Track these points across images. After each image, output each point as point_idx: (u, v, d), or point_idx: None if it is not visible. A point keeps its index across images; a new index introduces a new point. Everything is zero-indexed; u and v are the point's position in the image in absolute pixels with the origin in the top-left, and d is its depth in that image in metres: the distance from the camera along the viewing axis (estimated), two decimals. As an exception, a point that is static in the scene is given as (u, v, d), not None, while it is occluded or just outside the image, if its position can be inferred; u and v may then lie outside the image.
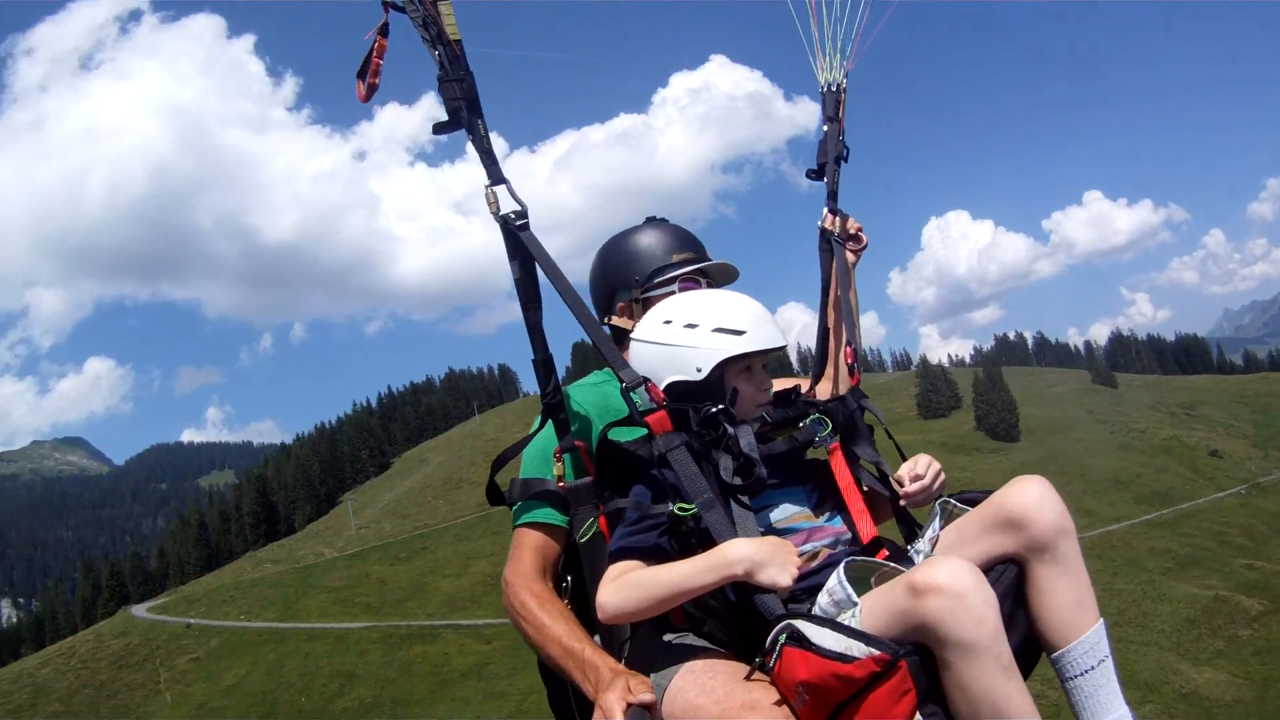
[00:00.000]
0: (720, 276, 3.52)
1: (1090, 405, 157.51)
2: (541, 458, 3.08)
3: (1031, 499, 2.50)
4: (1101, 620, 2.48)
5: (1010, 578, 2.48)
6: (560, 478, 2.97)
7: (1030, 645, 2.50)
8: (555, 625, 2.73)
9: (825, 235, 3.82)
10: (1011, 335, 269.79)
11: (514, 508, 3.06)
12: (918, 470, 2.95)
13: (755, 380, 2.89)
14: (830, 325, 3.77)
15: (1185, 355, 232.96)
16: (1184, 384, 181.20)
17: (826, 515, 2.86)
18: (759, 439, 2.77)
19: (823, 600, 2.44)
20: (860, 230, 3.90)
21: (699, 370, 2.83)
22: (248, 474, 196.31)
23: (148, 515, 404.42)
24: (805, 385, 3.49)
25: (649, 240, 3.48)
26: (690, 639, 2.65)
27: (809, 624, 2.29)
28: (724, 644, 2.59)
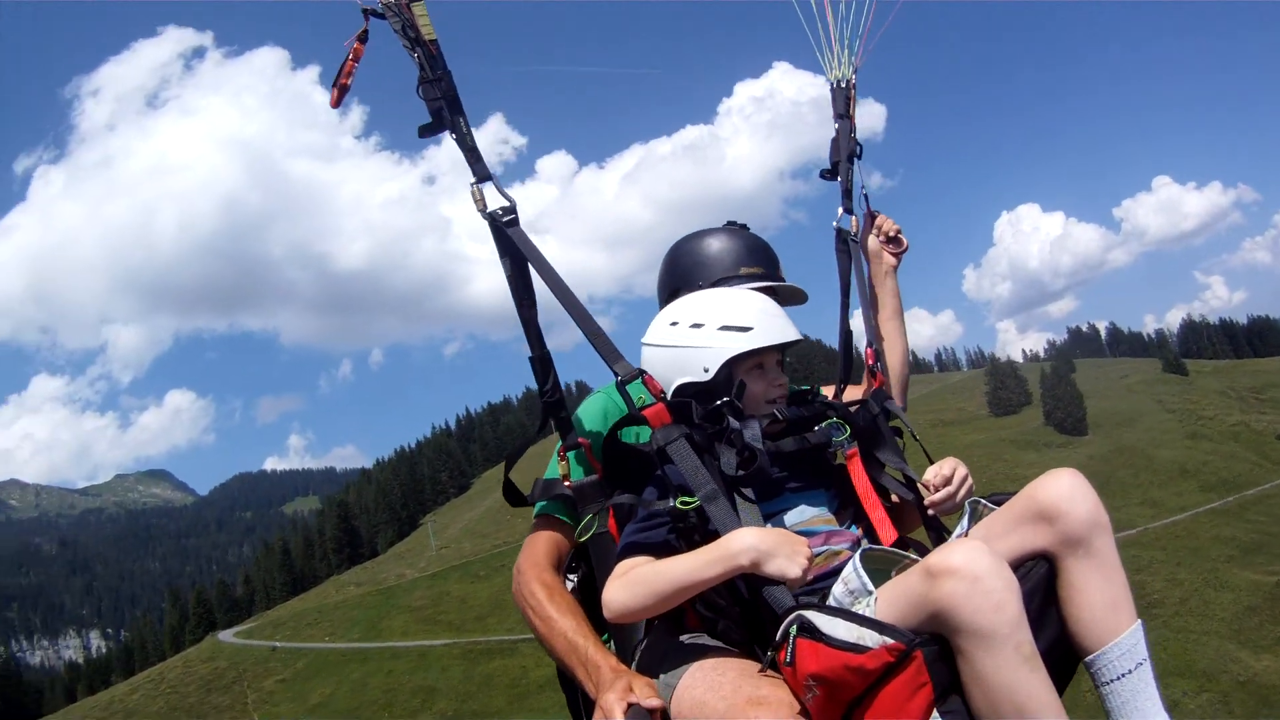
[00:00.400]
0: (789, 297, 3.50)
1: (1159, 394, 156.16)
2: (557, 455, 3.12)
3: (1063, 491, 2.44)
4: (1139, 621, 2.41)
5: (1040, 574, 2.42)
6: (566, 476, 3.00)
7: (1064, 648, 2.42)
8: (563, 619, 2.76)
9: (841, 235, 3.76)
10: (1084, 327, 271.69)
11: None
12: (944, 473, 2.92)
13: (767, 377, 2.88)
14: (879, 323, 3.77)
15: (1258, 338, 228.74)
16: (1256, 367, 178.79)
17: (848, 522, 2.84)
18: (769, 436, 2.77)
19: (837, 590, 2.40)
20: (899, 233, 3.88)
21: (706, 370, 2.84)
22: (330, 499, 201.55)
23: (233, 543, 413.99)
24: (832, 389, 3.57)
25: (721, 246, 3.47)
26: (704, 639, 2.65)
27: (821, 614, 2.26)
28: (737, 643, 2.58)
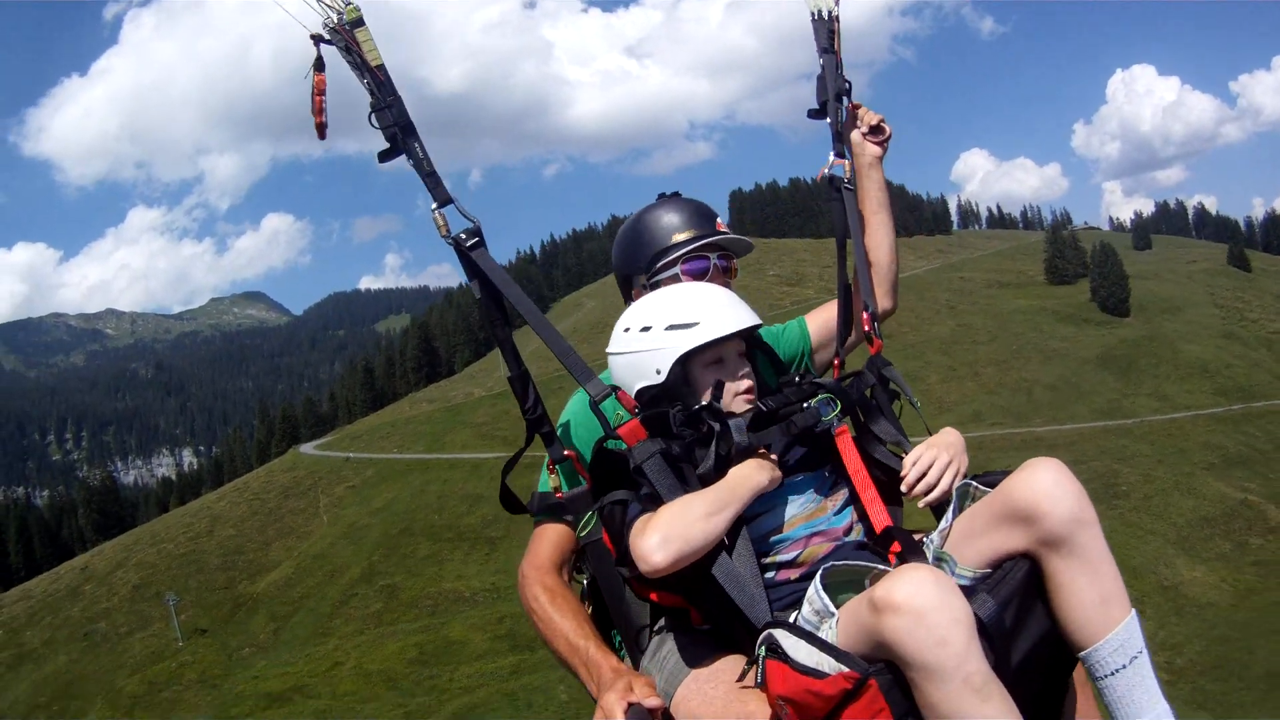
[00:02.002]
0: (735, 247, 3.51)
1: (1214, 286, 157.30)
2: (548, 467, 3.22)
3: (1041, 488, 2.42)
4: (1133, 613, 2.40)
5: (1018, 577, 2.42)
6: (557, 489, 3.15)
7: (1057, 643, 2.45)
8: (563, 621, 2.88)
9: (834, 182, 3.73)
10: (1185, 202, 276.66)
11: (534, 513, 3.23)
12: (920, 466, 2.85)
13: (728, 369, 2.90)
14: (865, 216, 3.78)
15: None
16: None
17: (836, 507, 2.86)
18: (753, 430, 2.77)
19: (805, 609, 2.47)
20: (882, 121, 3.85)
21: (658, 372, 2.86)
22: (413, 321, 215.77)
23: (325, 362, 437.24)
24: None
25: (655, 222, 3.47)
26: (706, 640, 2.76)
27: (788, 635, 2.33)
28: (740, 643, 2.62)
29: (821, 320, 3.73)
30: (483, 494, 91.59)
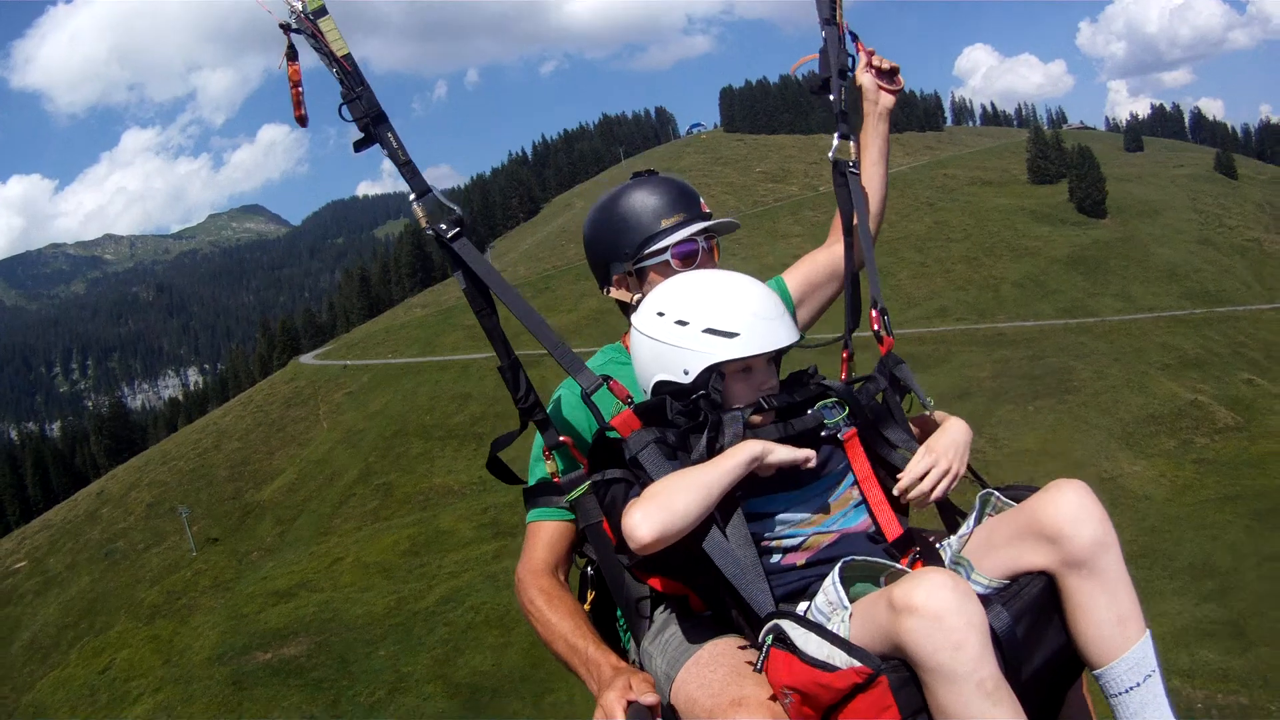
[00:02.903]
0: (723, 229, 3.44)
1: (1196, 192, 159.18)
2: (539, 459, 3.19)
3: (1066, 512, 2.45)
4: (1148, 632, 2.45)
5: (1033, 592, 2.45)
6: (554, 474, 3.09)
7: (1068, 656, 2.49)
8: (561, 623, 2.88)
9: (838, 166, 3.67)
10: (1169, 106, 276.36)
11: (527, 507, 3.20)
12: (915, 472, 2.81)
13: (755, 379, 2.80)
14: (865, 166, 3.79)
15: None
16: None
17: (844, 511, 2.79)
18: (755, 426, 2.74)
19: (818, 600, 2.46)
20: (898, 71, 3.80)
21: (686, 373, 2.77)
22: (406, 226, 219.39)
23: (325, 270, 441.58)
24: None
25: (636, 204, 3.36)
26: (707, 625, 2.77)
27: (796, 626, 2.34)
28: (741, 629, 2.66)
29: (800, 276, 3.72)
30: (471, 393, 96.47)
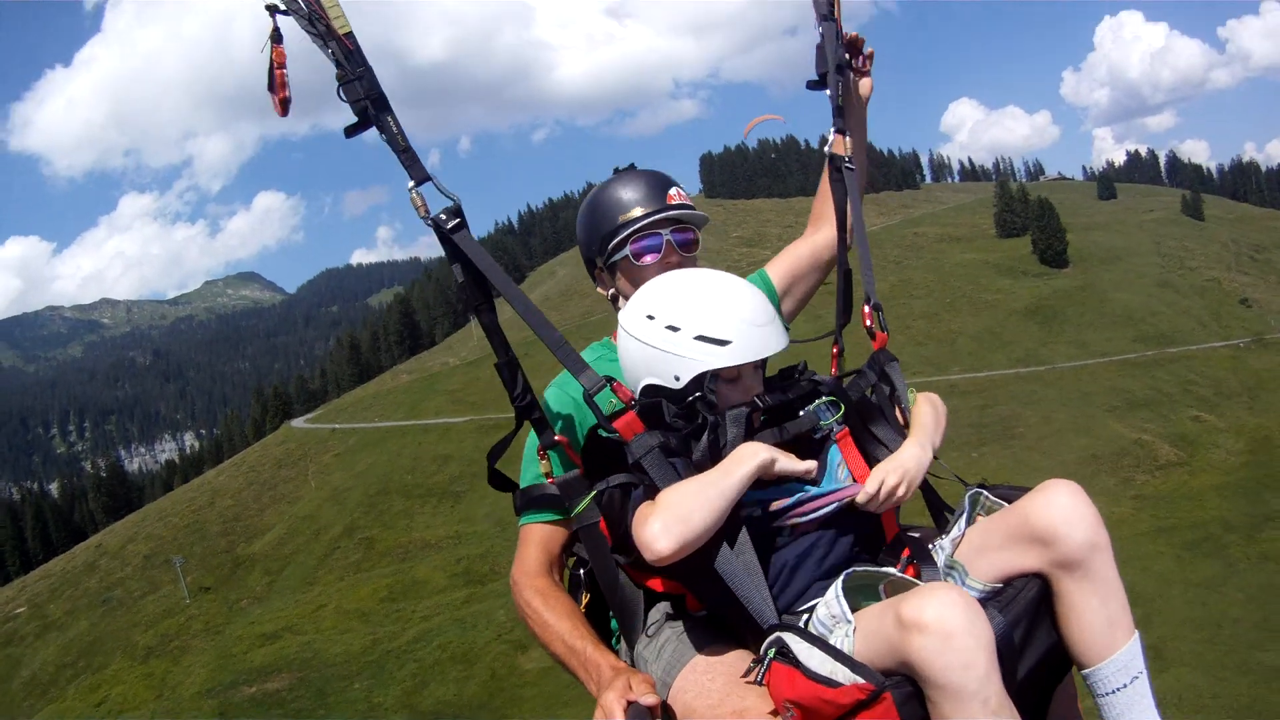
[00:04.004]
0: (689, 219, 3.38)
1: (1161, 235, 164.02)
2: (531, 457, 3.13)
3: (1060, 514, 2.47)
4: (1136, 634, 2.48)
5: (1030, 595, 2.47)
6: (548, 474, 2.99)
7: (1058, 656, 2.52)
8: (559, 624, 2.85)
9: (834, 161, 3.62)
10: (1144, 152, 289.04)
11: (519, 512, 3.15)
12: (868, 490, 2.72)
13: (743, 385, 2.77)
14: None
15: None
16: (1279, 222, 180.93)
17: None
18: (749, 427, 2.71)
19: (820, 612, 2.46)
20: (862, 41, 3.77)
21: (677, 379, 2.75)
22: (396, 296, 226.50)
23: (320, 338, 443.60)
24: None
25: (605, 202, 3.38)
26: (704, 628, 2.77)
27: (798, 640, 2.34)
28: (740, 635, 2.65)
29: (783, 269, 3.74)
30: (451, 454, 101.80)
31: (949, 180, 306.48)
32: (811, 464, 2.63)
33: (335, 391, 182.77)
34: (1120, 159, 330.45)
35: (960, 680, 2.09)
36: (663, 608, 2.93)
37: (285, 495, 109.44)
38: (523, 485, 3.15)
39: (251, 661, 66.73)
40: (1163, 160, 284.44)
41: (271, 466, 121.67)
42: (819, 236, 3.79)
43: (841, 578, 2.47)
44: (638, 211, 3.32)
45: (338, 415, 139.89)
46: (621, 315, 2.98)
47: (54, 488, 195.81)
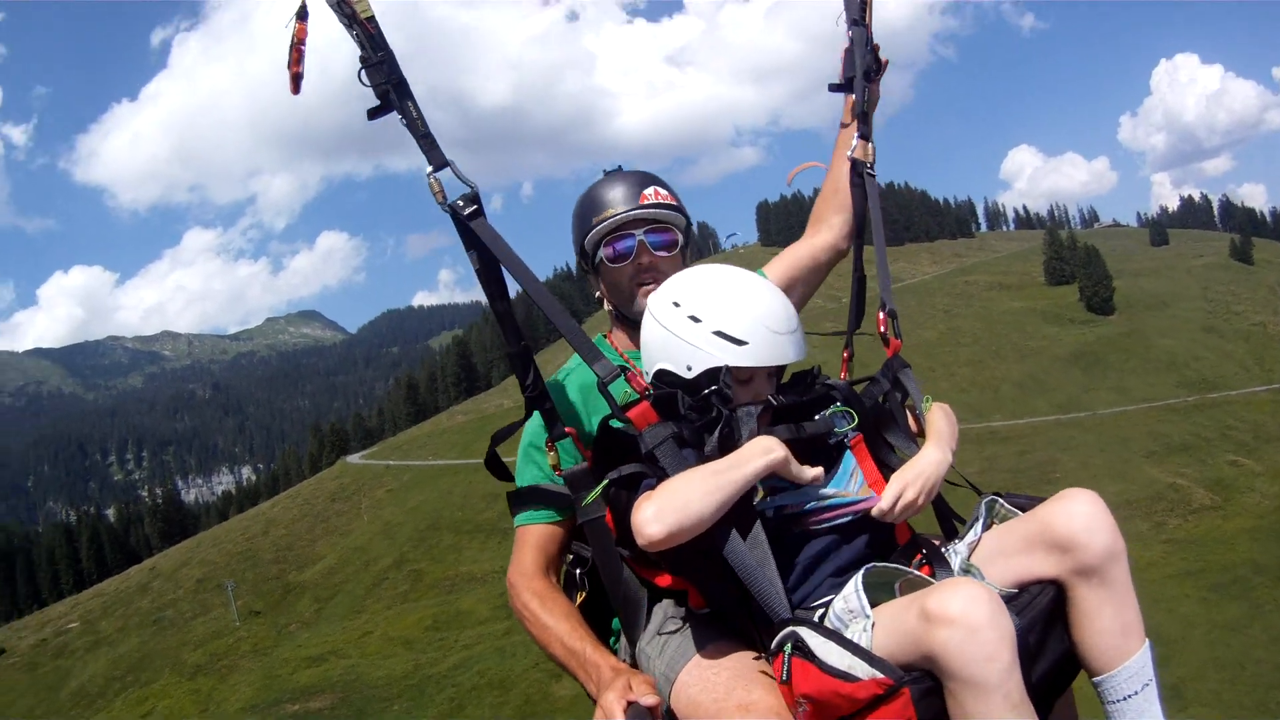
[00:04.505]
0: (661, 219, 3.36)
1: (1209, 281, 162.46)
2: (528, 454, 3.24)
3: (1080, 522, 2.49)
4: (1148, 643, 2.50)
5: (1045, 601, 2.49)
6: (556, 466, 3.04)
7: (1068, 661, 2.53)
8: (558, 625, 2.88)
9: (856, 167, 3.62)
10: (1198, 197, 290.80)
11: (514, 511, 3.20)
12: (883, 505, 2.71)
13: (753, 388, 2.78)
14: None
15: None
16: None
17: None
18: (761, 424, 2.72)
19: (837, 606, 2.45)
20: (877, 48, 3.73)
21: (690, 369, 2.75)
22: (454, 338, 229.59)
23: (380, 379, 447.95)
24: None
25: (584, 206, 3.41)
26: (707, 623, 2.75)
27: (814, 634, 2.33)
28: (744, 630, 2.65)
29: (782, 270, 3.67)
30: (500, 493, 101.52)
31: (1004, 228, 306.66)
32: (819, 471, 2.66)
33: (392, 430, 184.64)
34: (1168, 205, 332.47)
35: (984, 673, 2.10)
36: (666, 605, 2.95)
37: (338, 527, 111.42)
38: (519, 485, 3.27)
39: (296, 682, 68.50)
40: (1215, 205, 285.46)
41: (325, 499, 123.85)
42: (819, 239, 3.77)
43: (861, 572, 2.48)
44: (609, 212, 3.34)
45: (393, 453, 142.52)
46: (650, 298, 3.01)
47: (110, 513, 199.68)
